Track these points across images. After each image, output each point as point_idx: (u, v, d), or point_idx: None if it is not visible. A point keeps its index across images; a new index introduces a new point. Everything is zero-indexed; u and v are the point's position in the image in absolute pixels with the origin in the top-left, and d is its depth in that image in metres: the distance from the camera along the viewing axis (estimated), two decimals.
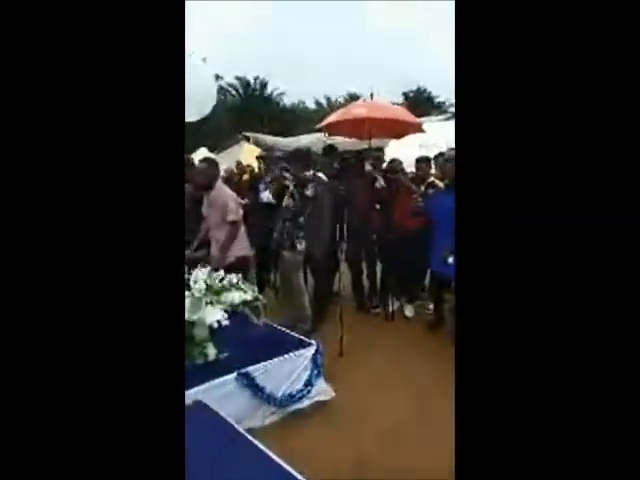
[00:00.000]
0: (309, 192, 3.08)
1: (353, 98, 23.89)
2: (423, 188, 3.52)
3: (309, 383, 2.24)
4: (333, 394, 2.35)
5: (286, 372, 2.20)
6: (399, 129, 3.83)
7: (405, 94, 31.94)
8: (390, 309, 3.65)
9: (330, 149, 3.91)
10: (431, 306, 3.71)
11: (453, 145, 4.32)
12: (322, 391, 2.32)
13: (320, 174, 3.34)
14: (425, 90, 32.22)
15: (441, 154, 3.73)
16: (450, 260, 3.01)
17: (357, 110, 3.72)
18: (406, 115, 3.80)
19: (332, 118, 3.89)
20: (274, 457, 1.39)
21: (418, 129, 3.81)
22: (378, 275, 3.91)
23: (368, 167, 3.75)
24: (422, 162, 3.67)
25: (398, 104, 10.18)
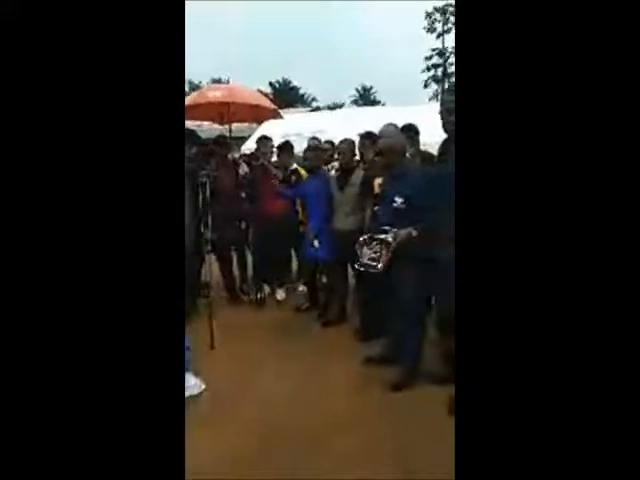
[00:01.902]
0: None
1: (217, 82, 22.96)
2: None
3: None
4: (203, 387, 2.29)
5: None
6: (256, 114, 3.83)
7: (271, 84, 32.00)
8: (261, 295, 3.67)
9: (187, 133, 3.69)
10: (301, 288, 3.85)
11: (317, 134, 4.52)
12: (192, 386, 2.26)
13: None
14: (290, 82, 32.78)
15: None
16: (316, 243, 3.16)
17: (212, 93, 3.61)
18: (262, 100, 3.81)
19: (187, 101, 3.68)
20: None
21: (276, 115, 3.86)
22: (249, 263, 3.89)
23: (231, 153, 3.67)
24: (284, 149, 3.74)
25: (262, 92, 10.18)
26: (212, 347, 2.79)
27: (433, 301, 2.64)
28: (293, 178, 3.57)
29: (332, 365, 2.57)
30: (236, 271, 3.90)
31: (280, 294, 3.81)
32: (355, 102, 32.14)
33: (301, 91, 32.66)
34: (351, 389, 2.32)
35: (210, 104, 3.58)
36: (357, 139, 3.24)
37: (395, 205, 2.24)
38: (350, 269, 3.13)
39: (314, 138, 3.95)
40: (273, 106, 3.87)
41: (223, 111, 3.53)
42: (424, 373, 2.33)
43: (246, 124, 5.87)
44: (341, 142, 3.18)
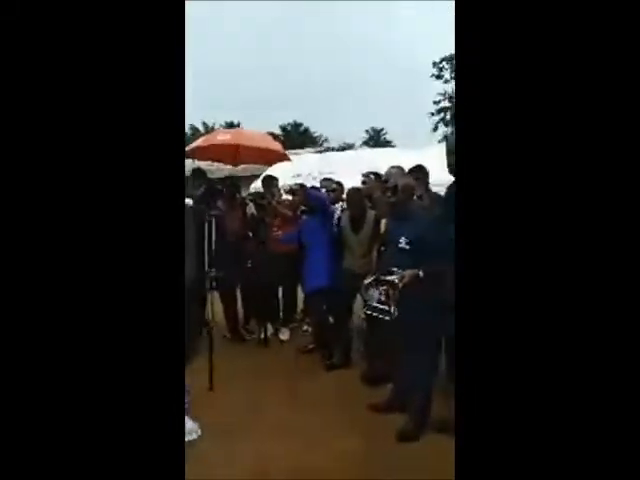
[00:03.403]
0: None
1: (230, 126, 23.84)
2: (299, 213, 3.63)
3: None
4: (199, 433, 2.18)
5: None
6: (265, 156, 3.92)
7: (282, 127, 33.18)
8: (264, 334, 3.59)
9: (197, 173, 3.79)
10: (305, 327, 3.77)
11: (328, 175, 4.59)
12: (188, 431, 2.14)
13: (186, 199, 3.19)
14: (301, 124, 33.96)
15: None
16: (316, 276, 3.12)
17: (222, 136, 3.73)
18: (270, 143, 3.91)
19: (198, 142, 3.81)
20: None
21: (284, 158, 3.95)
22: (252, 302, 3.84)
23: (240, 193, 3.74)
24: (297, 189, 3.78)
25: (273, 135, 10.52)
26: (210, 389, 2.69)
27: (443, 345, 2.54)
28: (303, 217, 3.59)
29: (336, 411, 2.45)
30: (240, 310, 3.85)
31: (284, 334, 3.73)
32: (366, 143, 32.98)
33: (312, 133, 33.70)
34: (356, 438, 2.19)
35: (220, 146, 3.69)
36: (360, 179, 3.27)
37: (401, 246, 2.21)
38: (359, 311, 3.06)
39: (327, 179, 4.01)
40: (281, 149, 3.97)
41: (233, 153, 3.62)
42: (433, 421, 2.20)
43: (257, 165, 6.01)
44: (348, 192, 3.20)
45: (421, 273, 2.10)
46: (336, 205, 3.62)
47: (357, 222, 3.03)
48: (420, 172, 2.92)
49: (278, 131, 30.51)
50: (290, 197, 3.72)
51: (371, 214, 3.00)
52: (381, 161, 4.00)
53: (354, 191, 3.12)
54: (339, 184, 4.05)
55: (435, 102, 29.11)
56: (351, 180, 3.70)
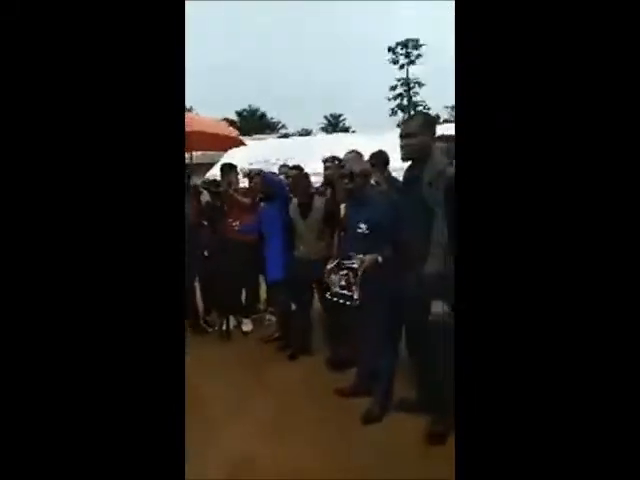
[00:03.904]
0: None
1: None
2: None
3: None
4: None
5: None
6: (218, 142, 3.77)
7: (238, 112, 32.37)
8: (226, 327, 3.51)
9: None
10: (268, 317, 3.71)
11: (285, 161, 4.48)
12: None
13: None
14: (258, 109, 33.28)
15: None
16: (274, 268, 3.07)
17: None
18: (223, 128, 3.77)
19: None
20: None
21: (238, 143, 3.82)
22: (212, 293, 3.72)
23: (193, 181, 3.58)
24: (254, 173, 3.67)
25: (230, 121, 10.23)
26: None
27: (404, 329, 2.59)
28: (262, 205, 3.50)
29: (301, 398, 2.44)
30: (199, 302, 3.73)
31: (247, 325, 3.65)
32: (324, 130, 32.88)
33: (269, 119, 33.09)
34: (322, 422, 2.19)
35: None
36: (321, 164, 3.22)
37: (360, 231, 2.20)
38: (317, 297, 3.04)
39: (284, 165, 3.92)
40: (235, 134, 3.82)
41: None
42: (396, 402, 2.25)
43: (212, 152, 5.80)
44: (294, 175, 3.14)
45: (380, 258, 2.10)
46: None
47: (304, 207, 2.96)
48: (379, 157, 2.91)
49: (234, 117, 29.68)
50: (247, 183, 3.62)
51: (320, 199, 2.97)
52: (340, 147, 3.97)
53: (299, 177, 3.06)
54: (299, 169, 3.98)
55: (392, 87, 29.40)
56: (310, 167, 3.64)
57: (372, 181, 2.42)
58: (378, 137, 6.45)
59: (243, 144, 3.89)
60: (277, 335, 3.32)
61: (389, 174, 2.88)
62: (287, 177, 3.45)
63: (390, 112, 29.30)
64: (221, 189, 3.49)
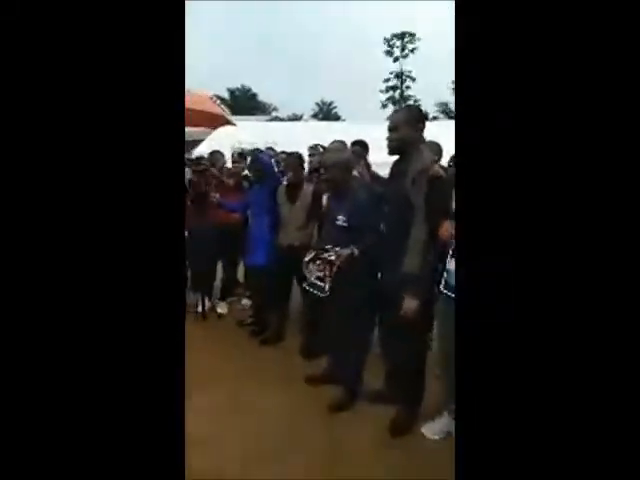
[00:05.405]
0: None
1: None
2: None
3: None
4: None
5: None
6: (206, 120, 3.69)
7: (230, 90, 31.66)
8: (202, 308, 3.48)
9: None
10: (244, 301, 3.70)
11: (271, 146, 4.43)
12: None
13: None
14: (250, 89, 32.61)
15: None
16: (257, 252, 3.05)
17: None
18: (210, 106, 3.67)
19: None
20: None
21: (225, 122, 3.74)
22: (189, 274, 3.68)
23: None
24: (237, 158, 3.62)
25: (220, 97, 9.96)
26: None
27: (377, 320, 2.62)
28: (245, 184, 3.46)
29: (270, 385, 2.47)
30: None
31: (222, 308, 3.64)
32: (315, 116, 32.53)
33: (261, 100, 32.46)
34: (291, 409, 2.22)
35: None
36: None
37: (338, 223, 2.19)
38: (297, 285, 3.04)
39: (270, 148, 3.87)
40: (222, 113, 3.73)
41: None
42: (365, 393, 2.29)
43: (201, 128, 5.66)
44: (288, 156, 3.12)
45: (356, 251, 2.11)
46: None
47: (293, 191, 2.91)
48: (359, 146, 2.87)
49: (226, 94, 29.04)
50: (236, 164, 3.57)
51: (309, 187, 2.94)
52: (330, 135, 3.94)
53: (294, 157, 3.03)
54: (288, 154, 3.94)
55: (385, 80, 29.20)
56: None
57: (355, 172, 2.41)
58: (366, 127, 6.42)
59: (232, 124, 3.81)
60: (251, 320, 3.32)
61: (369, 165, 2.86)
62: (277, 162, 3.42)
63: (381, 105, 29.15)
64: (202, 167, 3.43)
